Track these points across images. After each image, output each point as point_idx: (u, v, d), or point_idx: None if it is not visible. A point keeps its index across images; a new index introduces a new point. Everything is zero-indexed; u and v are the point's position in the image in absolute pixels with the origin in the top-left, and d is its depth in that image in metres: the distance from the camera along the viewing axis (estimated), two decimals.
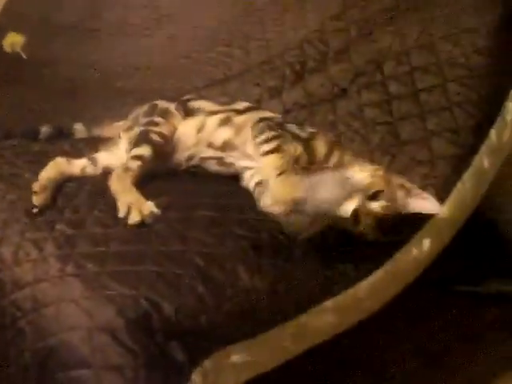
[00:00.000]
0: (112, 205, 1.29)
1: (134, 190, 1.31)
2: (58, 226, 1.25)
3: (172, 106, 1.54)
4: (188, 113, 1.53)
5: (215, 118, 1.49)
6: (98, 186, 1.37)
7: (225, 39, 2.05)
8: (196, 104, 1.55)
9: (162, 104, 1.55)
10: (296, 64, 1.76)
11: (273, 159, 1.31)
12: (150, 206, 1.25)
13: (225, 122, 1.47)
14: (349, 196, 1.15)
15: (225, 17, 2.16)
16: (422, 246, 1.33)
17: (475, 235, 1.55)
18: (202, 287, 1.11)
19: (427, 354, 1.68)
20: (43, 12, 2.73)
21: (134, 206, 1.24)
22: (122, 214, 1.24)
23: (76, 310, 1.06)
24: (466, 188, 1.39)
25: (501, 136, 1.46)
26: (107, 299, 1.07)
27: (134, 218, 1.22)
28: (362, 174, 1.23)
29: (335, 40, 1.74)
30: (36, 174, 1.39)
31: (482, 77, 1.49)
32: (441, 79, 1.53)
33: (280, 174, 1.27)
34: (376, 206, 1.19)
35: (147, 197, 1.28)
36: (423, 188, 1.38)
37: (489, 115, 1.47)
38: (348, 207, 1.15)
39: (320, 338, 1.22)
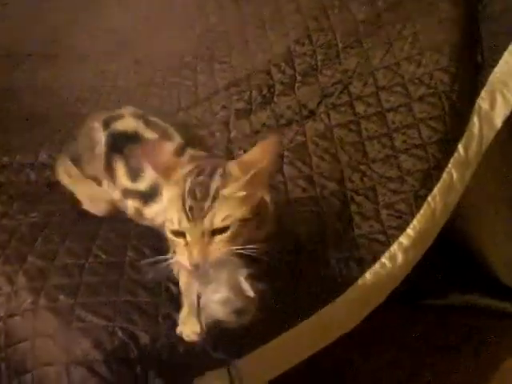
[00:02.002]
0: (83, 234, 1.27)
1: None
2: (30, 258, 1.22)
3: None
4: None
5: None
6: (68, 216, 1.36)
7: (189, 63, 2.05)
8: None
9: None
10: (264, 87, 1.77)
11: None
12: None
13: None
14: None
15: (189, 41, 2.16)
16: (396, 260, 1.34)
17: (441, 247, 1.56)
18: (177, 315, 1.10)
19: (402, 368, 1.68)
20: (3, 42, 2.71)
21: None
22: None
23: (51, 344, 1.05)
24: (436, 201, 1.42)
25: (468, 150, 1.49)
26: (82, 332, 1.06)
27: None
28: None
29: (302, 63, 1.76)
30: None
31: (445, 94, 1.52)
32: (406, 98, 1.56)
33: None
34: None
35: None
36: (394, 204, 1.41)
37: (455, 130, 1.49)
38: None
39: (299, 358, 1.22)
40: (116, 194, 1.37)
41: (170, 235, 1.07)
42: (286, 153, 1.57)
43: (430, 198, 1.42)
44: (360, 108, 1.60)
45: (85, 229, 1.32)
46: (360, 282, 1.30)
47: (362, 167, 1.50)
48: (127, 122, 1.40)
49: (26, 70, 2.49)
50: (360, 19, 1.74)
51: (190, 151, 1.30)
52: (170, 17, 2.37)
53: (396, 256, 1.35)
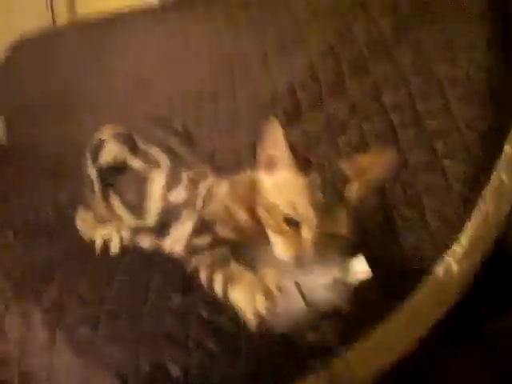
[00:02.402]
0: (103, 266, 1.16)
1: None
2: (46, 294, 1.12)
3: None
4: None
5: None
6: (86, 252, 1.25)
7: (210, 94, 1.98)
8: None
9: None
10: (288, 107, 1.67)
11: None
12: None
13: None
14: None
15: (207, 73, 2.09)
16: (451, 271, 1.20)
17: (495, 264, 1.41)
18: (211, 341, 0.97)
19: None
20: (19, 95, 2.69)
21: None
22: None
23: (69, 379, 0.92)
24: (487, 206, 1.28)
25: None
26: (104, 365, 0.93)
27: None
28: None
29: (327, 77, 1.67)
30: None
31: (484, 92, 1.40)
32: (443, 101, 1.44)
33: None
34: None
35: None
36: (442, 212, 1.28)
37: (499, 129, 1.37)
38: None
39: None
40: (125, 234, 1.29)
41: (278, 219, 1.04)
42: None
43: (480, 202, 1.29)
44: (395, 116, 1.48)
45: (105, 261, 1.22)
46: (415, 295, 1.16)
47: (405, 177, 1.38)
48: (112, 150, 1.32)
49: (43, 121, 2.46)
50: (385, 26, 1.64)
51: (185, 173, 1.26)
52: (184, 54, 2.32)
53: (450, 266, 1.22)
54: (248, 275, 1.01)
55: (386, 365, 1.12)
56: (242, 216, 1.11)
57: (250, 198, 1.10)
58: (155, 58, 2.46)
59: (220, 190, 1.19)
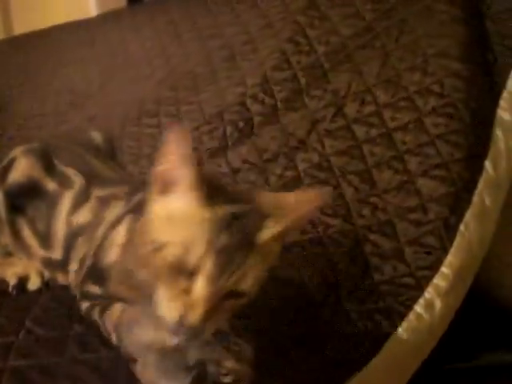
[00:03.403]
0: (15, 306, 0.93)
1: None
2: None
3: None
4: None
5: None
6: None
7: (150, 110, 1.78)
8: None
9: None
10: (239, 121, 1.48)
11: None
12: None
13: None
14: None
15: (150, 88, 1.90)
16: (434, 308, 1.02)
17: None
18: None
19: None
20: None
21: None
22: None
23: None
24: (470, 231, 1.12)
25: (497, 167, 1.20)
26: None
27: None
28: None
29: (283, 90, 1.49)
30: None
31: (462, 101, 1.25)
32: (415, 113, 1.28)
33: None
34: None
35: None
36: (419, 238, 1.11)
37: (479, 144, 1.21)
38: None
39: None
40: (37, 266, 1.07)
41: (165, 263, 0.74)
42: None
43: (462, 227, 1.12)
44: (360, 131, 1.32)
45: (19, 299, 0.99)
46: (392, 341, 0.97)
47: (372, 199, 1.20)
48: (22, 168, 1.08)
49: None
50: (347, 34, 1.48)
51: (96, 192, 1.02)
52: (126, 68, 2.13)
53: (433, 303, 1.04)
54: None
55: None
56: (140, 273, 0.82)
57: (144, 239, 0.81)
58: (92, 72, 2.25)
59: (124, 223, 0.92)
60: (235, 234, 0.73)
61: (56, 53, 2.54)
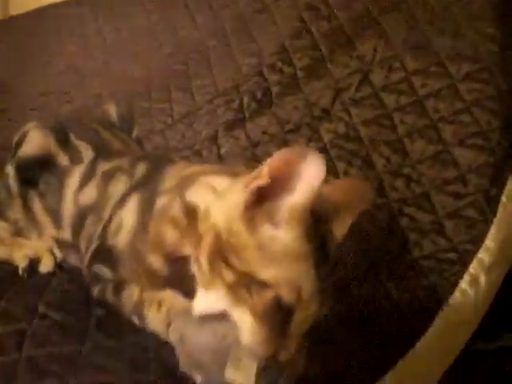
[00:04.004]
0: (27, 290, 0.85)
1: None
2: None
3: None
4: None
5: None
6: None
7: (160, 84, 1.69)
8: None
9: None
10: (257, 92, 1.40)
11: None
12: None
13: None
14: None
15: (158, 62, 1.81)
16: (479, 284, 0.95)
17: None
18: None
19: None
20: None
21: None
22: None
23: None
24: None
25: None
26: None
27: None
28: None
29: (303, 58, 1.40)
30: None
31: (497, 66, 1.17)
32: (447, 79, 1.20)
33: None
34: None
35: None
36: (459, 211, 1.03)
37: None
38: None
39: None
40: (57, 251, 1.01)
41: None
42: None
43: (504, 198, 1.04)
44: (389, 99, 1.23)
45: (29, 283, 0.90)
46: (438, 319, 0.89)
47: (406, 170, 1.12)
48: (35, 140, 1.03)
49: None
50: None
51: (102, 167, 0.97)
52: (131, 43, 2.03)
53: (478, 278, 0.96)
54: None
55: None
56: (156, 262, 0.77)
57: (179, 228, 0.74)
58: (95, 49, 2.16)
59: (130, 203, 0.86)
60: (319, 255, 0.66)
61: (56, 31, 2.44)
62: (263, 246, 0.65)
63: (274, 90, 1.39)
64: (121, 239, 0.84)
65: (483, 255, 0.98)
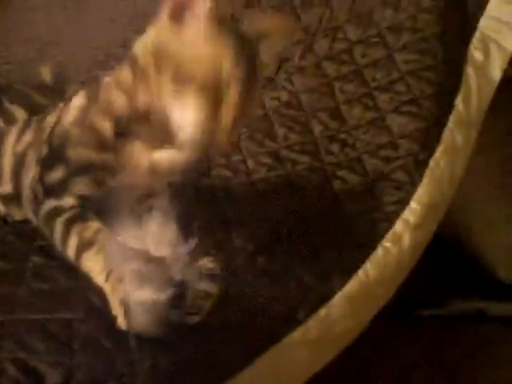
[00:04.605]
0: None
1: None
2: None
3: None
4: None
5: None
6: None
7: (117, 53, 1.70)
8: None
9: None
10: None
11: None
12: None
13: None
14: None
15: (117, 31, 1.82)
16: (402, 242, 1.00)
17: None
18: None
19: None
20: None
21: None
22: None
23: None
24: (440, 167, 1.09)
25: (468, 105, 1.17)
26: None
27: None
28: None
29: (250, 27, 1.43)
30: None
31: (433, 37, 1.22)
32: (386, 49, 1.25)
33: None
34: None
35: None
36: (389, 174, 1.09)
37: (451, 80, 1.19)
38: None
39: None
40: None
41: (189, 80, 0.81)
42: (241, 129, 1.23)
43: (432, 163, 1.10)
44: (331, 68, 1.28)
45: None
46: (360, 273, 0.95)
47: (342, 136, 1.18)
48: None
49: None
50: None
51: (35, 117, 1.02)
52: (92, 13, 2.04)
53: (402, 237, 1.01)
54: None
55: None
56: (105, 126, 0.86)
57: (129, 89, 0.86)
58: (58, 19, 2.16)
59: (74, 104, 0.92)
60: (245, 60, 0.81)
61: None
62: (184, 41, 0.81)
63: None
64: (67, 118, 0.90)
65: (408, 215, 1.03)
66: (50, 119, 0.95)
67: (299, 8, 1.40)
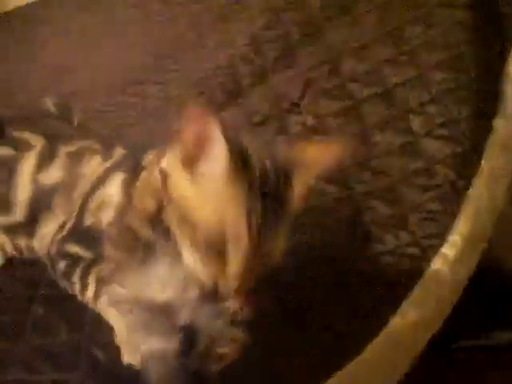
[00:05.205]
0: None
1: None
2: None
3: None
4: None
5: None
6: None
7: (136, 78, 1.66)
8: None
9: None
10: (227, 83, 1.37)
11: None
12: None
13: None
14: None
15: (135, 57, 1.77)
16: (442, 280, 0.92)
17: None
18: None
19: None
20: None
21: None
22: None
23: None
24: (479, 195, 1.00)
25: (507, 128, 1.08)
26: None
27: None
28: None
29: (274, 48, 1.38)
30: None
31: (468, 55, 1.14)
32: (418, 69, 1.17)
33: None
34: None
35: None
36: (424, 204, 1.00)
37: (487, 101, 1.10)
38: None
39: None
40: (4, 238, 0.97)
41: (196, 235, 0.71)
42: None
43: (471, 191, 1.00)
44: (357, 90, 1.20)
45: None
46: (395, 316, 0.86)
47: (374, 162, 1.09)
48: None
49: None
50: None
51: (64, 148, 0.94)
52: (112, 37, 2.00)
53: (441, 273, 0.92)
54: None
55: None
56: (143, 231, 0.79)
57: (156, 196, 0.78)
58: (77, 44, 2.13)
59: (113, 181, 0.86)
60: (268, 198, 0.70)
61: (45, 25, 2.41)
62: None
63: (245, 81, 1.36)
64: (105, 217, 0.83)
65: (447, 250, 0.94)
66: (86, 170, 0.90)
67: (324, 26, 1.33)
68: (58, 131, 1.02)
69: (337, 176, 1.09)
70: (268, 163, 0.72)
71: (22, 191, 0.92)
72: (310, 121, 1.20)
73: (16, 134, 0.99)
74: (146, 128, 1.45)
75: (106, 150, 0.92)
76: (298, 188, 0.74)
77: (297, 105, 1.25)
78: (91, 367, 0.70)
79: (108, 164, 0.89)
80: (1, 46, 2.42)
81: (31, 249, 0.92)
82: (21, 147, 0.96)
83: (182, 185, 0.73)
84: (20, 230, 0.93)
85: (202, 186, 0.71)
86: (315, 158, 0.76)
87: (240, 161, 0.70)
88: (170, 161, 0.77)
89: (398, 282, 0.90)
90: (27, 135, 0.98)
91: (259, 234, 0.69)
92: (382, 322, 0.85)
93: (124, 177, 0.85)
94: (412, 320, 0.88)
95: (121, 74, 1.75)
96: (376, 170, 1.08)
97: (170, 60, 1.65)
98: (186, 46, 1.65)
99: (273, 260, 0.71)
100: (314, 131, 1.18)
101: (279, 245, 0.72)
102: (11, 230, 0.94)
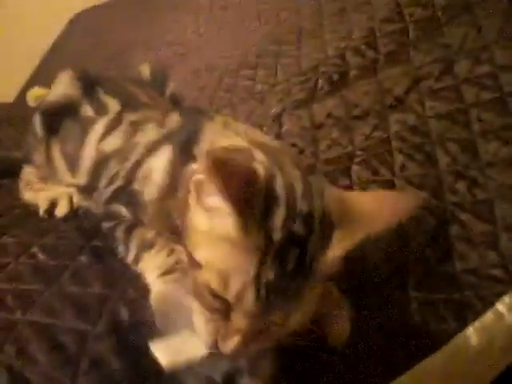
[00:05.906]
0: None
1: None
2: None
3: None
4: None
5: None
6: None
7: (249, 62, 1.66)
8: None
9: None
10: (333, 74, 1.32)
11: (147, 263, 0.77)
12: None
13: None
14: None
15: (253, 41, 1.78)
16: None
17: None
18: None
19: None
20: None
21: None
22: None
23: None
24: None
25: None
26: None
27: None
28: None
29: (388, 43, 1.31)
30: None
31: None
32: None
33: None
34: None
35: None
36: None
37: None
38: None
39: None
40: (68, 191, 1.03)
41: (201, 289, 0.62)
42: (357, 152, 1.10)
43: None
44: (470, 93, 1.10)
45: (41, 225, 0.97)
46: (459, 340, 0.77)
47: (473, 172, 0.99)
48: (60, 89, 1.05)
49: None
50: None
51: (129, 116, 0.95)
52: (236, 22, 2.01)
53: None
54: None
55: None
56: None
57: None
58: (204, 26, 2.17)
59: (161, 155, 0.82)
60: (290, 263, 0.59)
61: (172, 7, 2.49)
62: (210, 232, 0.62)
63: (352, 73, 1.30)
64: (148, 192, 0.82)
65: None
66: (140, 139, 0.88)
67: (445, 25, 1.24)
68: (135, 96, 1.03)
69: (429, 181, 1.01)
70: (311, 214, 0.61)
71: (87, 160, 0.94)
72: (411, 120, 1.12)
73: (101, 96, 1.01)
74: (244, 109, 1.44)
75: (162, 118, 0.91)
76: (336, 251, 0.61)
77: (401, 101, 1.17)
78: (111, 325, 0.69)
79: (160, 133, 0.87)
80: (135, 17, 2.53)
81: (89, 208, 0.94)
82: (99, 110, 0.98)
83: (198, 218, 0.64)
84: (83, 191, 0.95)
85: (213, 238, 0.62)
86: (369, 211, 0.63)
87: (254, 222, 0.59)
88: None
89: (470, 305, 0.80)
90: (108, 99, 1.00)
91: (268, 304, 0.59)
92: (436, 346, 0.77)
93: (171, 155, 0.81)
94: (477, 350, 0.78)
95: (237, 56, 1.76)
96: (473, 182, 0.98)
97: (285, 47, 1.63)
98: (303, 35, 1.62)
99: (287, 328, 0.62)
100: (414, 132, 1.09)
101: (297, 316, 0.62)
102: (78, 189, 0.97)
